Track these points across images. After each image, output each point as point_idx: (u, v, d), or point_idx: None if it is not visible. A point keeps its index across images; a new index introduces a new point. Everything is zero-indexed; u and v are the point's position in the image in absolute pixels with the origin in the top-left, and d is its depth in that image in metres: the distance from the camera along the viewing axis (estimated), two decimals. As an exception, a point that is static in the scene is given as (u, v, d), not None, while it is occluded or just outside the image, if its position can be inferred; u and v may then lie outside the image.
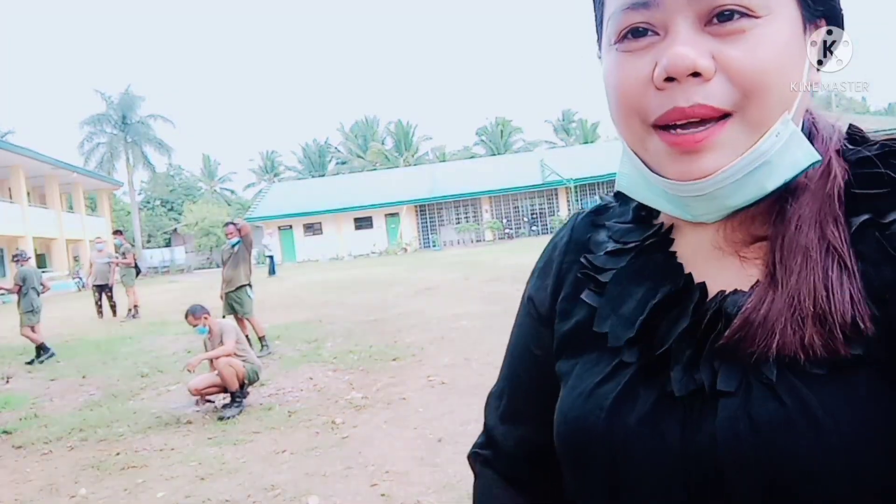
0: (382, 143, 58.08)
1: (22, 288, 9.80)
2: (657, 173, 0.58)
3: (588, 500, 0.64)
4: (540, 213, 39.62)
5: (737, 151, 0.53)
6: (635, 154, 0.60)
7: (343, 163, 59.97)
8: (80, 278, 27.50)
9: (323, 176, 57.10)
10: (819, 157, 0.55)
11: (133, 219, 43.84)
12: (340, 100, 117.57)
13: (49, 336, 11.37)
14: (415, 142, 59.02)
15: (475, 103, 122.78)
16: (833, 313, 0.51)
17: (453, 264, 20.56)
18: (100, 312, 14.67)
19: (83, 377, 8.08)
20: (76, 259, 34.76)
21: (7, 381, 8.37)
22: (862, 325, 0.51)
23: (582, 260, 0.71)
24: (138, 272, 15.56)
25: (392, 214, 39.39)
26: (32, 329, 9.64)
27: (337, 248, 38.71)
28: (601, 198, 0.77)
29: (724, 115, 0.53)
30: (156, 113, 43.61)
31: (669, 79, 0.53)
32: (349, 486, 3.93)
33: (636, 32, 0.56)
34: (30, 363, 9.32)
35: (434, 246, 37.87)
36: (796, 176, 0.55)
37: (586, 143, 56.67)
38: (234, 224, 8.94)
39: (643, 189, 0.62)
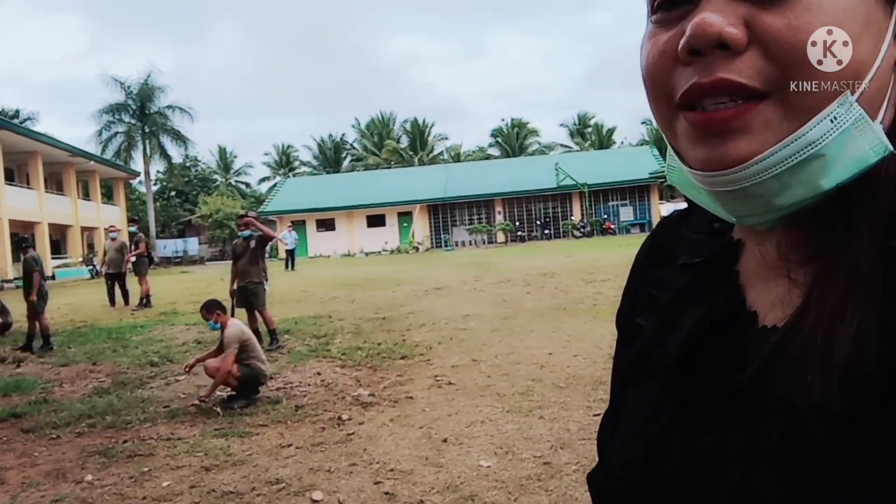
0: (398, 142, 58.12)
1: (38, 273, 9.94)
2: (684, 162, 0.50)
3: None
4: (553, 216, 39.57)
5: (776, 137, 0.44)
6: (667, 141, 0.52)
7: (358, 159, 60.05)
8: (94, 266, 27.78)
9: (337, 172, 57.28)
10: (891, 148, 0.44)
11: (148, 208, 44.12)
12: (357, 96, 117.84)
13: (61, 322, 11.50)
14: (430, 141, 59.08)
15: (491, 104, 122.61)
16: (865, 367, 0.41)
17: (464, 265, 20.55)
18: (112, 300, 14.80)
19: (93, 364, 8.14)
20: (90, 246, 35.08)
21: (18, 366, 8.46)
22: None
23: (651, 275, 0.63)
24: (151, 262, 15.69)
25: (405, 213, 39.50)
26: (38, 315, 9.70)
27: (349, 245, 38.86)
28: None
29: (760, 95, 0.44)
30: (175, 103, 43.80)
31: (696, 52, 0.45)
32: (353, 483, 3.94)
33: (670, 1, 0.48)
34: (41, 349, 9.40)
35: (446, 246, 37.89)
36: (860, 172, 0.44)
37: (601, 147, 56.51)
38: (247, 216, 9.06)
39: (688, 184, 0.52)
